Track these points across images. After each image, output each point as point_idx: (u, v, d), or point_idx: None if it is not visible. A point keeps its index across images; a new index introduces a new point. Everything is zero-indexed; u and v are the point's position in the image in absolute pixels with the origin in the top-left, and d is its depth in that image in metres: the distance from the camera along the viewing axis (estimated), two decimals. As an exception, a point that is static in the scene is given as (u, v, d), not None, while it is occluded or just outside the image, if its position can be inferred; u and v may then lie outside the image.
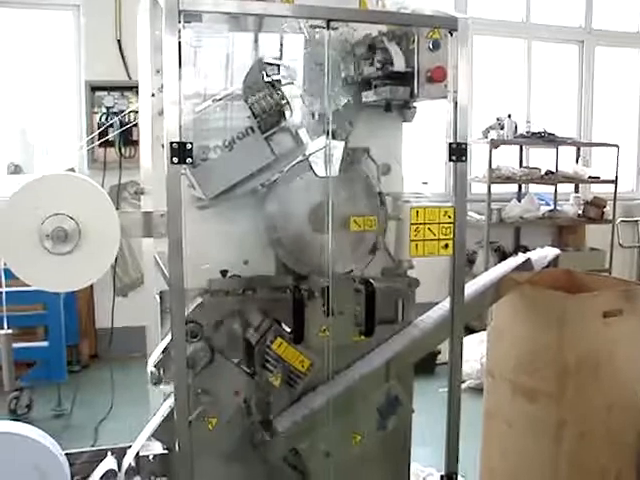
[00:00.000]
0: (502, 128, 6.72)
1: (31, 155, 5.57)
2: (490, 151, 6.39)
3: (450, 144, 2.26)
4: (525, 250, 7.38)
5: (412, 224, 2.22)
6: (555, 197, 6.97)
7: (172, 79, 1.96)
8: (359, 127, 2.45)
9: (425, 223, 2.24)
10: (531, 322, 2.79)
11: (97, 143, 5.25)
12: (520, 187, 7.21)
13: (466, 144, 2.27)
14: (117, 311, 4.37)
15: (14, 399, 4.71)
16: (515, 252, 7.02)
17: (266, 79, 2.23)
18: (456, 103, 2.25)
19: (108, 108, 5.69)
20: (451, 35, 2.23)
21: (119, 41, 5.68)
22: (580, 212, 7.07)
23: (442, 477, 2.48)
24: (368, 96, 2.36)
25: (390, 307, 2.53)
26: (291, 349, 2.31)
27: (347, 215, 2.35)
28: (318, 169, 2.32)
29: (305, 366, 2.34)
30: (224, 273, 2.31)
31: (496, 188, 6.64)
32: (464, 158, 2.28)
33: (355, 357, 2.49)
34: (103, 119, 5.63)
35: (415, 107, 2.44)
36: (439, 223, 2.27)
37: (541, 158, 7.15)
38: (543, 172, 6.83)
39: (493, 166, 6.48)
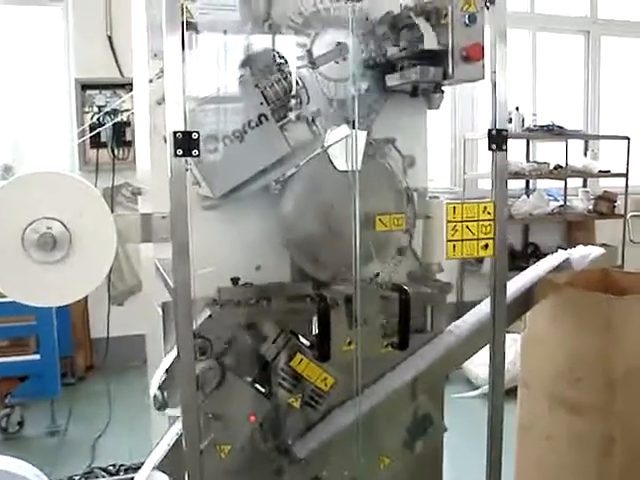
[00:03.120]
0: (510, 122, 6.50)
1: (22, 159, 5.34)
2: (498, 146, 6.17)
3: (489, 131, 2.00)
4: (535, 248, 7.18)
5: (449, 222, 1.95)
6: (565, 192, 6.75)
7: (174, 60, 1.70)
8: (381, 115, 2.20)
9: (463, 221, 1.98)
10: (572, 327, 2.53)
11: (84, 139, 5.04)
12: (528, 182, 7.00)
13: (507, 130, 2.01)
14: (113, 320, 4.16)
15: (5, 417, 4.48)
16: (524, 250, 6.91)
17: (279, 61, 1.97)
18: (495, 85, 1.99)
19: (100, 107, 5.46)
20: (487, 9, 1.97)
21: (110, 37, 5.43)
22: (590, 207, 6.86)
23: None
24: (393, 79, 2.10)
25: (418, 315, 2.28)
26: (312, 366, 2.05)
27: (371, 213, 2.08)
28: (338, 162, 2.06)
29: (328, 384, 2.08)
30: (235, 281, 2.05)
31: (504, 184, 6.42)
32: (504, 147, 2.02)
33: (382, 372, 2.23)
34: (95, 119, 5.39)
35: (443, 92, 2.18)
36: (478, 220, 2.01)
37: (547, 152, 6.96)
38: (552, 166, 6.62)
39: (500, 161, 6.26)
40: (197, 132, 1.68)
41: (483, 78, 1.99)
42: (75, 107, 5.45)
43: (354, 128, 2.03)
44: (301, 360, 2.04)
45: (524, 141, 6.93)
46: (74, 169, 5.45)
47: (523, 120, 6.60)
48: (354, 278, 1.96)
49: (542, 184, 6.98)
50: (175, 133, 1.67)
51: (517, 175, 6.46)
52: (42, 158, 5.44)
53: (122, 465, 3.71)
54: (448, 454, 2.52)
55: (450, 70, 1.95)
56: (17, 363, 4.62)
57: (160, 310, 2.08)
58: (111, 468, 3.75)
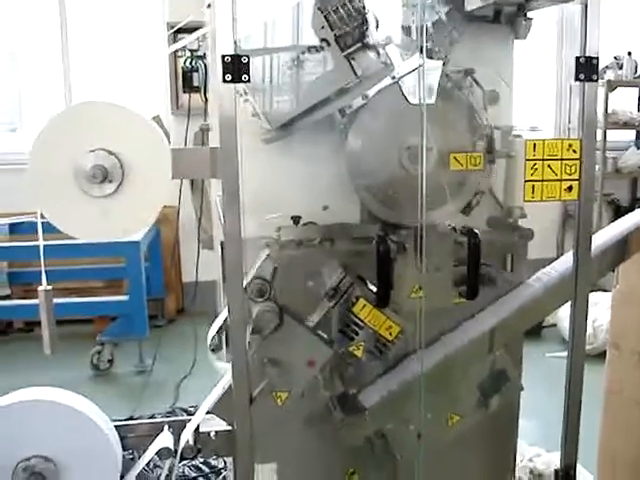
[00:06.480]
0: (620, 68, 6.09)
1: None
2: (606, 93, 5.82)
3: (577, 58, 1.79)
4: (643, 204, 6.73)
5: (528, 160, 1.77)
6: (681, 145, 6.30)
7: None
8: (460, 44, 1.99)
9: (544, 159, 1.78)
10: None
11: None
12: (638, 133, 6.57)
13: (597, 59, 1.80)
14: (203, 264, 4.14)
15: (96, 353, 4.61)
16: (631, 205, 6.51)
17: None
18: (586, 7, 1.77)
19: (192, 51, 5.39)
20: None
21: (203, -22, 5.35)
22: None
23: (557, 472, 2.07)
24: (473, 3, 1.90)
25: (497, 263, 2.11)
26: (377, 313, 1.92)
27: (446, 151, 1.92)
28: (411, 95, 1.89)
29: (393, 333, 1.94)
30: (296, 220, 1.93)
31: (612, 135, 6.08)
32: (594, 77, 1.81)
33: (453, 323, 2.09)
34: (187, 63, 5.35)
35: (531, 19, 1.97)
36: (561, 159, 1.81)
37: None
38: (666, 116, 6.19)
39: (609, 110, 5.91)
40: (247, 56, 1.56)
41: (571, -1, 1.78)
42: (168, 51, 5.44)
43: (429, 57, 1.86)
44: (364, 306, 1.92)
45: (636, 89, 6.49)
46: (167, 113, 5.46)
47: (636, 66, 6.17)
48: (420, 220, 1.80)
49: (655, 136, 6.57)
50: (223, 57, 1.56)
51: (626, 125, 6.09)
52: (135, 103, 5.47)
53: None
54: (539, 416, 2.34)
55: (534, -10, 1.75)
56: (107, 303, 4.75)
57: (220, 250, 2.00)
58: (191, 409, 3.78)
